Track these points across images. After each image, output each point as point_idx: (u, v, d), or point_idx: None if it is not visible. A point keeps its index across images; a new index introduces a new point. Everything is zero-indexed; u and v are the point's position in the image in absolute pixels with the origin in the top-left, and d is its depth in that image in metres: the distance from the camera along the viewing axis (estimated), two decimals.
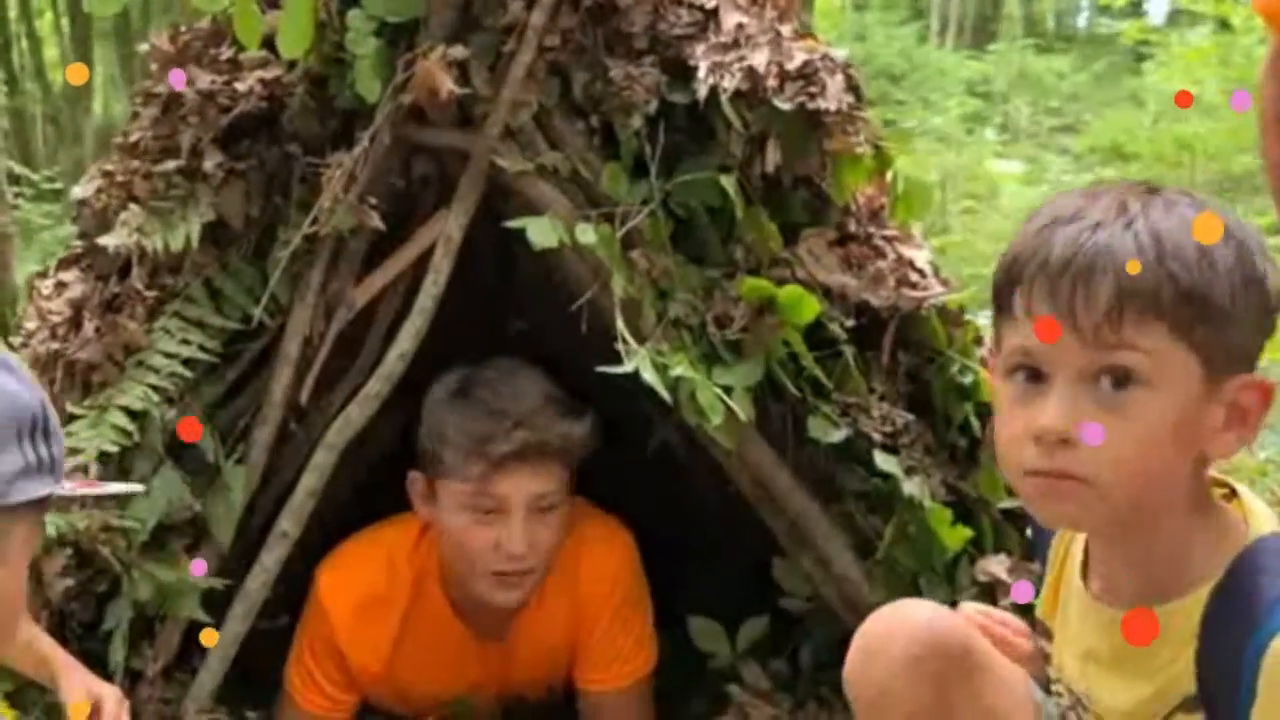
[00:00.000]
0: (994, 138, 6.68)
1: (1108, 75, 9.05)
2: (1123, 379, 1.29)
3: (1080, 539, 1.46)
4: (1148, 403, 1.28)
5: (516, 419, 2.23)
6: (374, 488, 2.65)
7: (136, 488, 1.43)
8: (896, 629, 1.54)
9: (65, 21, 16.80)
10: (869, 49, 10.08)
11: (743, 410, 2.14)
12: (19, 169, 9.44)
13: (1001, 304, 1.37)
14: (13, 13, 16.98)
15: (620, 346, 2.15)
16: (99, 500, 1.40)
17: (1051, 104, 7.67)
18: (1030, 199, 5.40)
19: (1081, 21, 14.79)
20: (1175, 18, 6.36)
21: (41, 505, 1.26)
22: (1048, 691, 1.58)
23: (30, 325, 2.71)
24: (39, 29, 18.55)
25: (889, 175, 2.34)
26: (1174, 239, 1.28)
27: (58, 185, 9.26)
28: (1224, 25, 5.83)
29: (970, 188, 5.84)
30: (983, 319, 4.24)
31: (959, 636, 1.53)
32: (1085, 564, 1.45)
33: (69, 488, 1.29)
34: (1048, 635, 1.54)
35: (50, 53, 19.05)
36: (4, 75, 14.74)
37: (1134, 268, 1.27)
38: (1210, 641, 1.28)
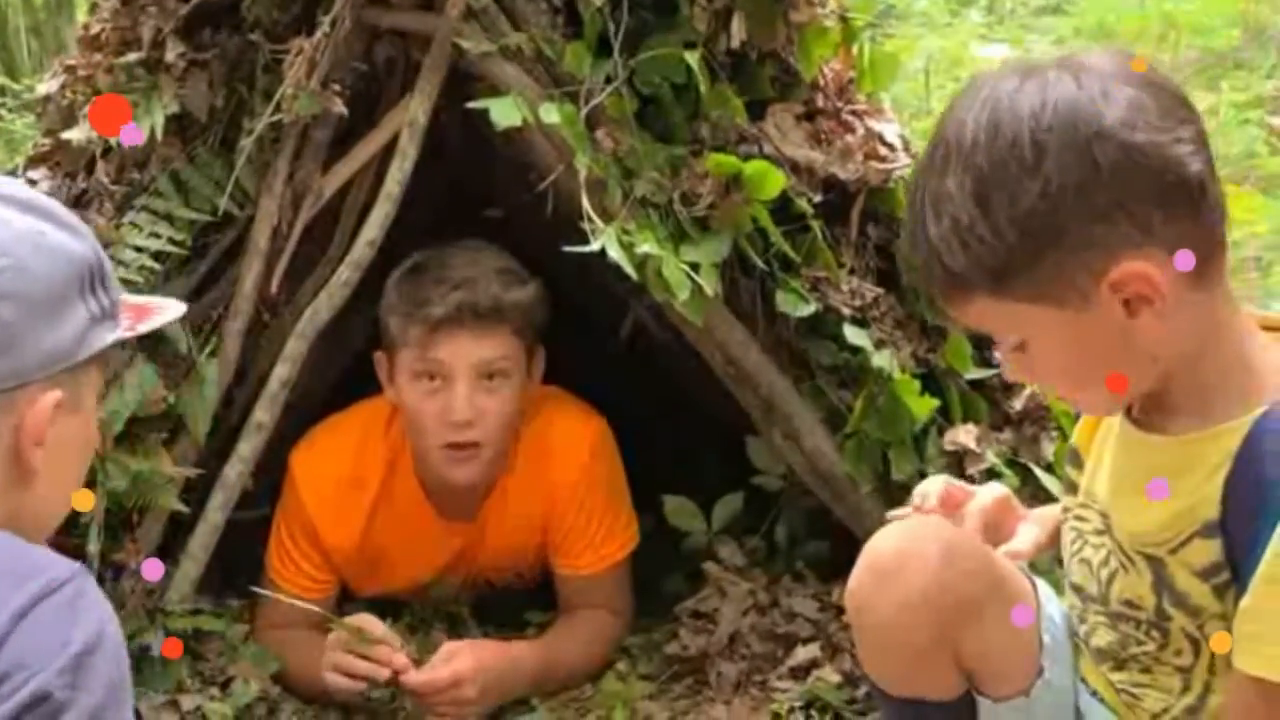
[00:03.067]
0: (979, 20, 6.61)
1: None
2: (1012, 345, 1.39)
3: None
4: (1036, 356, 1.37)
5: (454, 283, 2.27)
6: (352, 380, 2.66)
7: (178, 310, 1.37)
8: (909, 559, 1.54)
9: None
10: None
11: (709, 286, 2.14)
12: (1, 80, 9.31)
13: None
14: None
15: (586, 226, 2.14)
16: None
17: None
18: None
19: None
20: None
21: (105, 350, 1.26)
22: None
23: None
24: None
25: (855, 47, 2.31)
26: (937, 224, 1.31)
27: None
28: None
29: (955, 72, 5.79)
30: None
31: (972, 572, 1.54)
32: None
33: (125, 327, 1.29)
34: (1078, 462, 1.55)
35: None
36: None
37: (920, 272, 1.38)
38: (1244, 467, 1.29)
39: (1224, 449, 1.32)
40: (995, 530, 1.58)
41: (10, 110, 9.04)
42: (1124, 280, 1.28)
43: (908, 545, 1.55)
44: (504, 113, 2.16)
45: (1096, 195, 1.26)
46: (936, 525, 1.57)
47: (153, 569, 2.20)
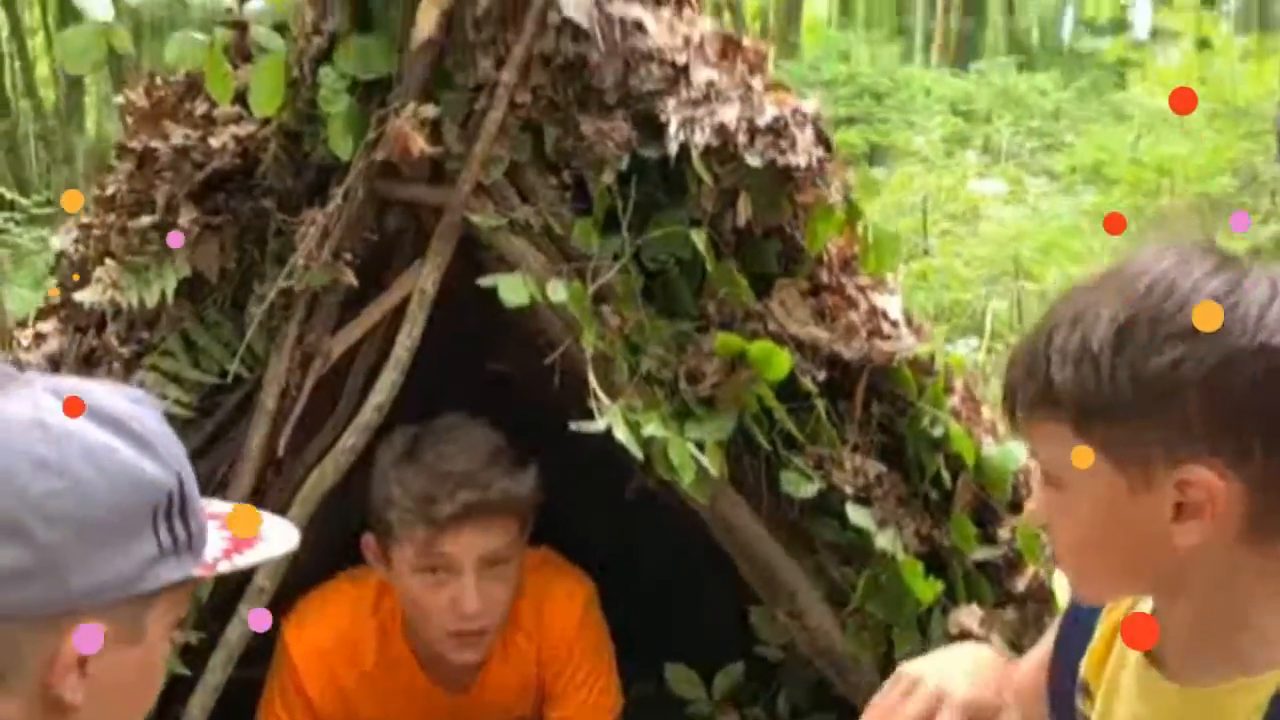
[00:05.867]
0: (975, 160, 6.72)
1: (1091, 91, 9.13)
2: (1053, 481, 1.33)
3: (1147, 601, 1.43)
4: (1068, 504, 1.32)
5: (459, 480, 2.24)
6: (356, 538, 2.66)
7: (291, 543, 1.25)
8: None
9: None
10: (853, 68, 10.19)
11: (714, 466, 2.15)
12: (10, 194, 9.44)
13: None
14: (4, 31, 17.03)
15: (593, 404, 2.16)
16: None
17: (1033, 122, 7.75)
18: (1011, 219, 5.44)
19: (1065, 34, 14.86)
20: (1158, 34, 6.37)
21: (180, 583, 1.16)
22: None
23: None
24: (31, 48, 18.59)
25: (859, 227, 2.35)
26: (1075, 340, 1.27)
27: (49, 210, 9.35)
28: (1204, 44, 5.86)
29: (951, 208, 5.86)
30: (962, 348, 4.28)
31: None
32: None
33: (216, 554, 1.19)
34: (1086, 693, 1.50)
35: (42, 70, 19.09)
36: None
37: (1035, 376, 1.29)
38: None
39: (1255, 702, 1.26)
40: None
41: (18, 224, 9.18)
42: (1195, 483, 1.23)
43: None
44: (512, 291, 2.19)
45: (1221, 398, 1.22)
46: (944, 681, 1.55)
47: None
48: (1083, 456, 1.27)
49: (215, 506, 1.27)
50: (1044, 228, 5.00)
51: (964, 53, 12.55)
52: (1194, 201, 4.53)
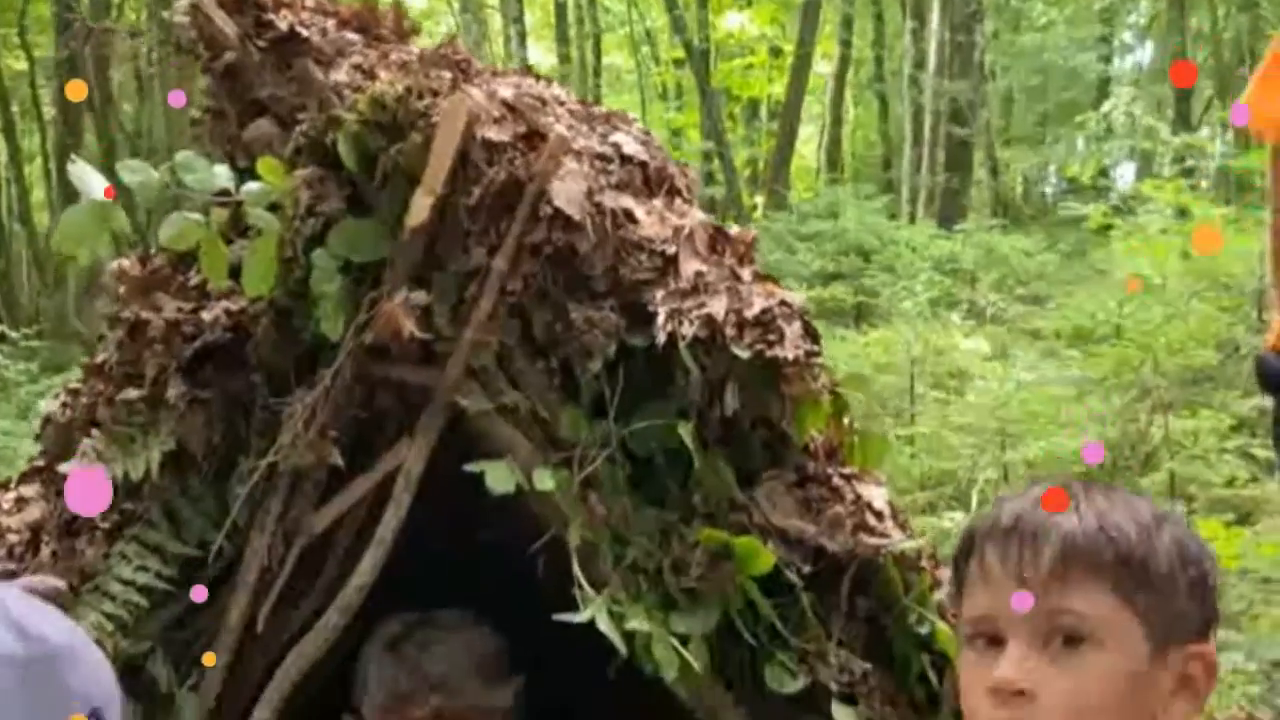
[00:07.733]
0: (960, 322, 6.81)
1: (1074, 252, 9.31)
2: (1074, 639, 1.36)
3: None
4: (1098, 662, 1.36)
5: (435, 682, 2.24)
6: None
7: None
8: None
9: (54, 166, 17.06)
10: (842, 224, 10.39)
11: (698, 659, 2.14)
12: None
13: (959, 576, 1.45)
14: (2, 157, 17.28)
15: (577, 594, 2.14)
16: None
17: (1019, 290, 7.90)
18: (997, 383, 5.47)
19: (1048, 190, 15.27)
20: (1139, 199, 6.53)
21: None
22: None
23: None
24: (28, 174, 18.80)
25: (846, 420, 2.36)
26: (1115, 515, 1.38)
27: (37, 344, 9.47)
28: (1182, 213, 5.98)
29: (937, 365, 5.90)
30: (947, 521, 4.28)
31: None
32: None
33: None
34: None
35: (38, 195, 19.30)
36: None
37: (1077, 532, 1.37)
38: None
39: None
40: None
41: (6, 356, 9.22)
42: (1203, 657, 1.37)
43: None
44: (498, 478, 2.20)
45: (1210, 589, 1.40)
46: None
47: None
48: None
49: None
50: (1029, 396, 5.04)
51: (950, 209, 12.79)
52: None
